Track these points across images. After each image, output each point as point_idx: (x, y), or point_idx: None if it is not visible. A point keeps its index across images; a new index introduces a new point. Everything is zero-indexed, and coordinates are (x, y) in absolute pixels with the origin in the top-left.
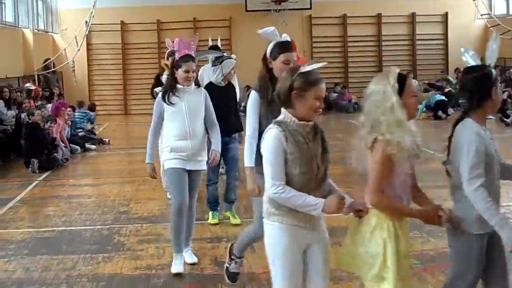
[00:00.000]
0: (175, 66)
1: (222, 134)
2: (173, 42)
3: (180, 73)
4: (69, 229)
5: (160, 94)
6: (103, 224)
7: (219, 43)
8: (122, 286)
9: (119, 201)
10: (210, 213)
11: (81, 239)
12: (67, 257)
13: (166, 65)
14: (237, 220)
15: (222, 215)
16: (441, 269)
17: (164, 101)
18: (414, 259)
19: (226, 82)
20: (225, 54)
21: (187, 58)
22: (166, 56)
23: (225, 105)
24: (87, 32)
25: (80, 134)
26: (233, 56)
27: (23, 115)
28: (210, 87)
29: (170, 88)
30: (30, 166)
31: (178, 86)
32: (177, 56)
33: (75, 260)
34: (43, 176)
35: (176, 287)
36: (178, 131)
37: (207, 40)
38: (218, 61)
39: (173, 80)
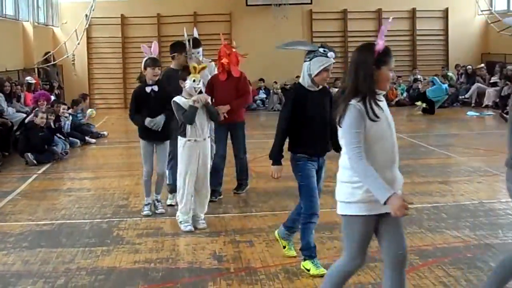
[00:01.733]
0: None
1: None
2: (150, 47)
3: None
4: (68, 222)
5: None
6: (102, 218)
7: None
8: (121, 280)
9: (118, 195)
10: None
11: (80, 232)
12: (66, 250)
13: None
14: (292, 252)
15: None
16: (439, 264)
17: None
18: (413, 255)
19: (319, 87)
20: (313, 47)
21: None
22: (143, 64)
23: (322, 119)
24: (87, 26)
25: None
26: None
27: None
28: (299, 91)
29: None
30: (27, 160)
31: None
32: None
33: (74, 253)
34: (43, 169)
35: (174, 281)
36: None
37: (208, 34)
38: (308, 56)
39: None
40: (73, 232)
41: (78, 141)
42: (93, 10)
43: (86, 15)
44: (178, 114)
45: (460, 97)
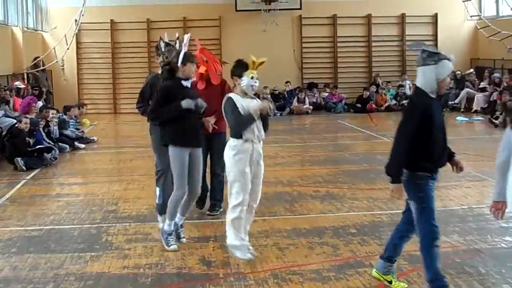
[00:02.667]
0: None
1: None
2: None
3: None
4: (57, 228)
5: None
6: (91, 223)
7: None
8: (110, 285)
9: (108, 200)
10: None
11: (69, 238)
12: (55, 256)
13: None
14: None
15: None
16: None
17: None
18: (402, 260)
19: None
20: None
21: None
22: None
23: (443, 130)
24: (76, 31)
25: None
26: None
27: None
28: (424, 100)
29: None
30: (17, 165)
31: None
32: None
33: (62, 259)
34: (32, 174)
35: (163, 286)
36: None
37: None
38: (432, 59)
39: None
40: (62, 237)
41: (67, 146)
42: (83, 15)
43: (76, 20)
44: (230, 114)
45: (450, 102)
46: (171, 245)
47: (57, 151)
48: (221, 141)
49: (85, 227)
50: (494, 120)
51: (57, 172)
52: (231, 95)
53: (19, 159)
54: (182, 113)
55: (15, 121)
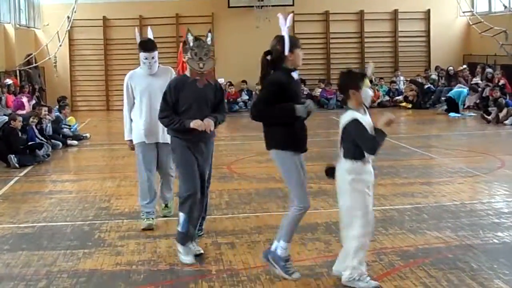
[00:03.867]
0: None
1: None
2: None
3: None
4: (49, 225)
5: None
6: (84, 220)
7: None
8: (103, 282)
9: (100, 197)
10: None
11: (62, 235)
12: (48, 253)
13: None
14: None
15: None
16: (421, 265)
17: None
18: (394, 256)
19: None
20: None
21: None
22: (290, 44)
23: None
24: (69, 28)
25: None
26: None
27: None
28: None
29: None
30: (10, 162)
31: None
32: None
33: (55, 256)
34: (24, 171)
35: (156, 283)
36: None
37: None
38: None
39: None
40: (54, 234)
41: (60, 143)
42: (75, 12)
43: (68, 17)
44: (362, 136)
45: (442, 98)
46: (293, 272)
47: (50, 148)
48: (211, 148)
49: (77, 224)
50: (486, 116)
51: (50, 169)
52: (354, 115)
53: (12, 156)
54: (295, 117)
55: (7, 118)
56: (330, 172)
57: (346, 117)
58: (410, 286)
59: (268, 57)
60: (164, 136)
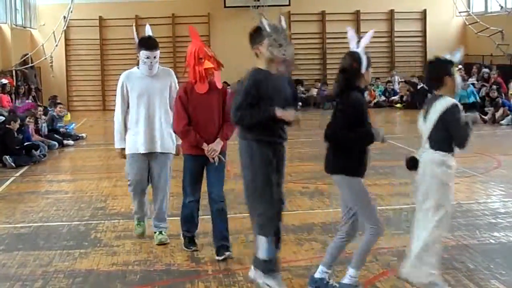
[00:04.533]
0: None
1: None
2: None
3: None
4: (46, 225)
5: None
6: (80, 220)
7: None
8: (99, 282)
9: (96, 197)
10: None
11: (58, 235)
12: (44, 253)
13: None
14: None
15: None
16: None
17: None
18: (391, 256)
19: None
20: None
21: None
22: None
23: None
24: (65, 28)
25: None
26: None
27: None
28: None
29: None
30: (5, 163)
31: None
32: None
33: (51, 256)
34: (20, 171)
35: (152, 283)
36: None
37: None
38: None
39: None
40: (50, 234)
41: (56, 143)
42: (71, 12)
43: (64, 17)
44: (460, 124)
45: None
46: None
47: (46, 148)
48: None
49: (73, 224)
50: (483, 116)
51: (46, 169)
52: (453, 101)
53: (7, 157)
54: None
55: (3, 118)
56: (412, 163)
57: (443, 104)
58: (407, 287)
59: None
60: (163, 144)
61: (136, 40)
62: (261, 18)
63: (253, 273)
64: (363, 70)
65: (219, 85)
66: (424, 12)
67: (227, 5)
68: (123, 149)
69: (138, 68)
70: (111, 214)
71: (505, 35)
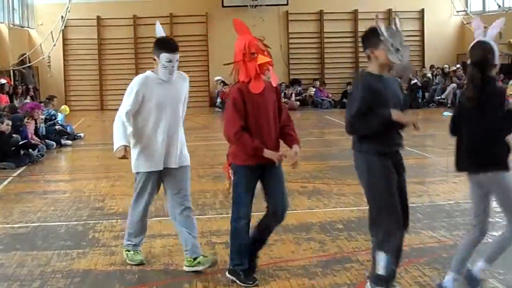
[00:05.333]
0: None
1: None
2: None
3: None
4: (43, 225)
5: None
6: (78, 220)
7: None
8: (97, 282)
9: (94, 197)
10: None
11: (56, 235)
12: (42, 253)
13: None
14: None
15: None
16: (416, 264)
17: None
18: None
19: None
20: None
21: None
22: None
23: None
24: (63, 27)
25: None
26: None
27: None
28: None
29: None
30: (5, 168)
31: None
32: None
33: (49, 256)
34: (18, 171)
35: (151, 283)
36: None
37: (184, 35)
38: None
39: None
40: (48, 234)
41: (54, 143)
42: (69, 11)
43: (62, 17)
44: None
45: (436, 97)
46: None
47: (44, 148)
48: (280, 168)
49: (71, 224)
50: None
51: (44, 169)
52: None
53: (5, 163)
54: None
55: None
56: None
57: None
58: (405, 286)
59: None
60: (181, 158)
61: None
62: (378, 21)
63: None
64: (496, 60)
65: (275, 83)
66: (422, 12)
67: (225, 5)
68: (126, 146)
69: (153, 72)
70: (109, 214)
71: (503, 34)
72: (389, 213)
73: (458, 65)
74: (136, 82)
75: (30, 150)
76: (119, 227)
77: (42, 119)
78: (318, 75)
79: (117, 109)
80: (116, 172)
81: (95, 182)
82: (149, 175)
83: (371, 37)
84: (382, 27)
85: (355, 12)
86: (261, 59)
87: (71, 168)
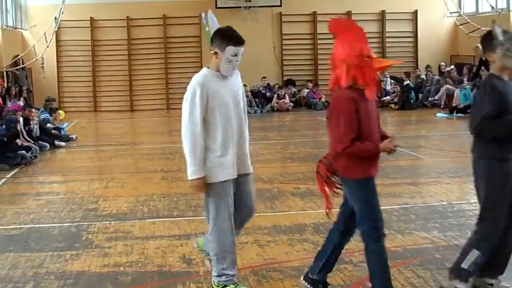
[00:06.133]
0: None
1: None
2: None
3: None
4: (37, 226)
5: None
6: (71, 222)
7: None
8: (90, 284)
9: (88, 198)
10: None
11: (49, 236)
12: (35, 254)
13: None
14: None
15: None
16: (408, 266)
17: None
18: None
19: None
20: None
21: None
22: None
23: None
24: (56, 29)
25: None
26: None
27: None
28: None
29: None
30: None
31: None
32: None
33: (42, 257)
34: (11, 173)
35: (144, 284)
36: None
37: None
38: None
39: None
40: (42, 236)
41: (47, 144)
42: (62, 13)
43: (55, 18)
44: None
45: (430, 98)
46: None
47: (38, 150)
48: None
49: (65, 225)
50: None
51: (37, 170)
52: None
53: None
54: None
55: None
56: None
57: None
58: (398, 287)
59: None
60: (250, 164)
61: (211, 30)
62: (494, 25)
63: (447, 282)
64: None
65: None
66: (415, 13)
67: (218, 6)
68: (204, 177)
69: (208, 68)
70: (102, 216)
71: None
72: (497, 220)
73: (452, 66)
74: (197, 83)
75: (24, 151)
76: (112, 228)
77: (37, 121)
78: (311, 76)
79: (109, 111)
80: (109, 173)
81: (88, 184)
82: (225, 185)
83: (490, 40)
84: (498, 31)
85: (348, 14)
86: (383, 62)
87: (65, 169)
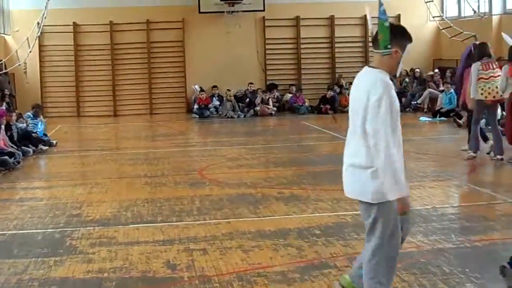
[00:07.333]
0: None
1: None
2: None
3: None
4: (20, 232)
5: None
6: (55, 227)
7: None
8: None
9: (71, 204)
10: None
11: (33, 242)
12: (18, 261)
13: None
14: None
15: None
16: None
17: None
18: None
19: None
20: None
21: None
22: None
23: None
24: (39, 34)
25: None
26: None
27: None
28: None
29: None
30: None
31: None
32: None
33: (26, 264)
34: None
35: None
36: None
37: (161, 41)
38: None
39: None
40: (25, 242)
41: (30, 150)
42: (45, 18)
43: (38, 23)
44: None
45: (413, 102)
46: None
47: (21, 155)
48: None
49: (48, 231)
50: (457, 120)
51: (20, 176)
52: None
53: None
54: None
55: None
56: None
57: None
58: None
59: None
60: None
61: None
62: (503, 34)
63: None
64: None
65: None
66: (398, 17)
67: (201, 11)
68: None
69: (380, 69)
70: (86, 221)
71: (479, 39)
72: None
73: (436, 70)
74: (387, 89)
75: (7, 157)
76: (96, 234)
77: (20, 127)
78: (295, 81)
79: (93, 116)
80: (92, 179)
81: (72, 189)
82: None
83: None
84: (508, 39)
85: (331, 18)
86: None
87: (48, 175)
